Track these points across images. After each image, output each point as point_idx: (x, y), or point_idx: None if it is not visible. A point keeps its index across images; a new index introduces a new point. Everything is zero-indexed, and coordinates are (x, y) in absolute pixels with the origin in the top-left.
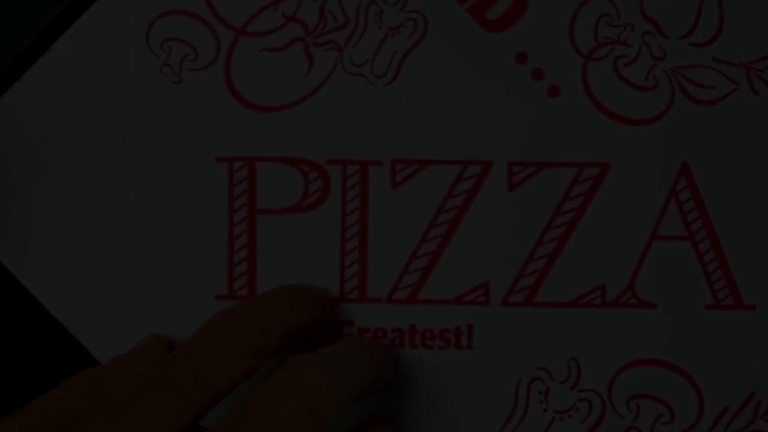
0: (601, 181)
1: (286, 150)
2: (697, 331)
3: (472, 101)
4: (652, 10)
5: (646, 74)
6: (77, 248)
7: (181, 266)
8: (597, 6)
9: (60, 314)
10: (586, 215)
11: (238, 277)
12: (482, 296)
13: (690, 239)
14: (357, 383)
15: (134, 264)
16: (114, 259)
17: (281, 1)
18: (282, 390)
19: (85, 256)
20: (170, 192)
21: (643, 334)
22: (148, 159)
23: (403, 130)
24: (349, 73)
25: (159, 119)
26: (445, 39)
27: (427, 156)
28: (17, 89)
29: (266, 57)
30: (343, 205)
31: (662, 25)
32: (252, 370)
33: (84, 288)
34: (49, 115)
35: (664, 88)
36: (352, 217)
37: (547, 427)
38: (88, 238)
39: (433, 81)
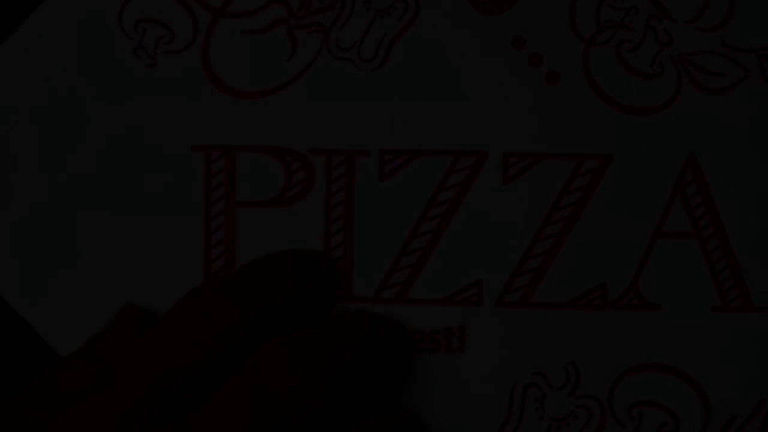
0: (603, 174)
1: (267, 139)
2: (704, 334)
3: (465, 88)
4: None
5: (651, 60)
6: (45, 243)
7: (155, 262)
8: None
9: (26, 311)
10: (587, 210)
11: (215, 273)
12: (475, 296)
13: (697, 236)
14: (341, 364)
15: (105, 260)
16: (84, 255)
17: None
18: (252, 376)
19: (53, 252)
20: (143, 183)
21: (646, 337)
22: (119, 148)
23: (392, 119)
24: (335, 57)
25: (132, 105)
26: (437, 21)
27: (417, 146)
28: None
29: (247, 39)
30: (328, 197)
31: (669, 8)
32: (226, 350)
33: (52, 285)
34: (14, 100)
35: (670, 76)
36: (338, 211)
37: None
38: (56, 232)
39: (424, 66)
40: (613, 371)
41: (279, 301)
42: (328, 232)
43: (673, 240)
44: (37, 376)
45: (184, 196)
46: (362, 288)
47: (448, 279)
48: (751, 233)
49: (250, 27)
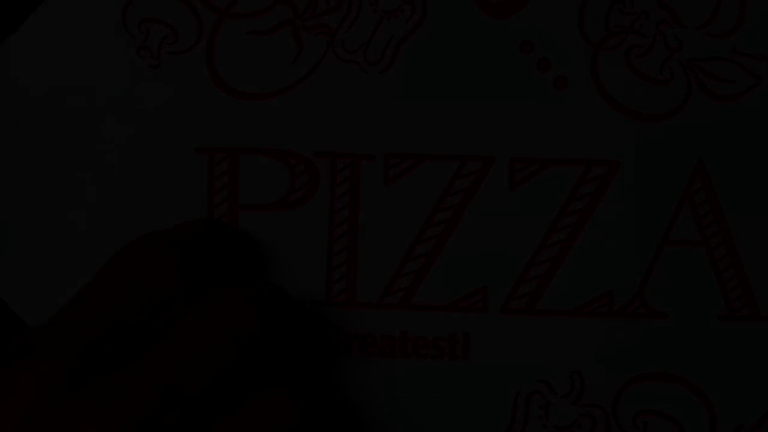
0: (610, 180)
1: (271, 141)
2: (710, 344)
3: (472, 92)
4: None
5: (660, 66)
6: (45, 244)
7: None
8: None
9: (26, 313)
10: (594, 217)
11: None
12: (480, 302)
13: (704, 245)
14: (281, 317)
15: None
16: (84, 258)
17: None
18: (203, 320)
19: (53, 253)
20: (145, 185)
21: (652, 346)
22: (121, 149)
23: (398, 123)
24: (341, 60)
25: (134, 106)
26: (445, 24)
27: (423, 150)
28: None
29: (252, 41)
30: (332, 201)
31: (679, 13)
32: (157, 307)
33: (52, 287)
34: (14, 101)
35: (679, 82)
36: (342, 215)
37: None
38: (57, 234)
39: (431, 70)
40: (619, 380)
41: (213, 259)
42: (332, 237)
43: (680, 248)
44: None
45: (186, 198)
46: (365, 293)
47: (452, 285)
48: (760, 242)
49: (255, 28)
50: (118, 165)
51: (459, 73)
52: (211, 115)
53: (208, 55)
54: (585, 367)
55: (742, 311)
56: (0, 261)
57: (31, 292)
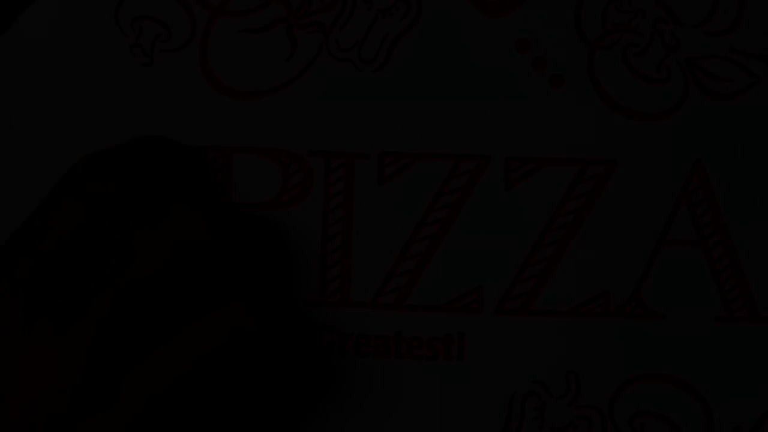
0: (607, 180)
1: (265, 140)
2: (708, 345)
3: (468, 91)
4: None
5: (657, 65)
6: None
7: None
8: None
9: None
10: (590, 217)
11: None
12: (475, 302)
13: (702, 245)
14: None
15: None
16: None
17: None
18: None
19: None
20: None
21: (649, 347)
22: None
23: (393, 121)
24: (335, 58)
25: (127, 104)
26: (440, 23)
27: (418, 149)
28: None
29: (245, 39)
30: (326, 201)
31: (676, 11)
32: (115, 217)
33: None
34: (8, 99)
35: (677, 81)
36: (336, 215)
37: None
38: None
39: (425, 68)
40: (615, 381)
41: (162, 173)
42: (326, 236)
43: (677, 248)
44: None
45: None
46: (359, 293)
47: (447, 285)
48: (758, 242)
49: (248, 26)
50: None
51: (454, 72)
52: (205, 114)
53: (201, 54)
54: (581, 368)
55: (740, 312)
56: None
57: None
